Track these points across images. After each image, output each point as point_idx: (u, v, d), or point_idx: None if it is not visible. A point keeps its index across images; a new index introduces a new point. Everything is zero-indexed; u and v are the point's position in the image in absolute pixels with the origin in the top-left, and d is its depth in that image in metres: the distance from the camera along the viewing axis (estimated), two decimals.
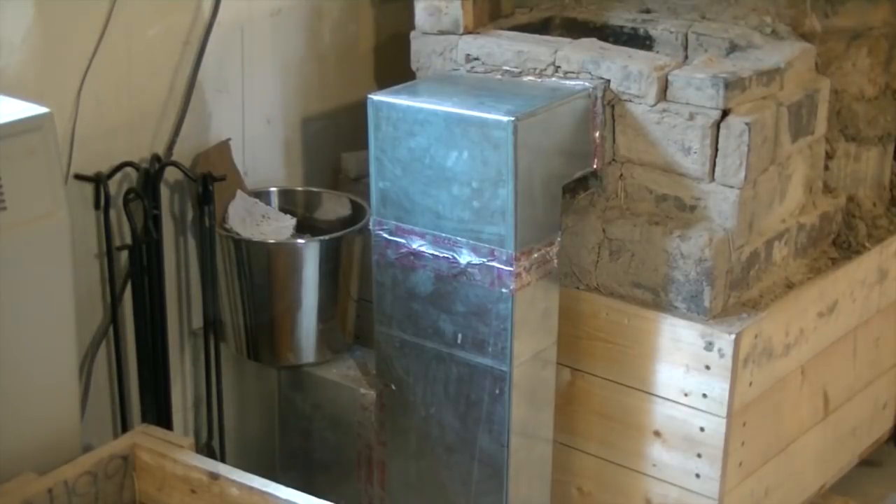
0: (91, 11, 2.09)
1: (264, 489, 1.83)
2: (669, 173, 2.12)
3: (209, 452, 2.34)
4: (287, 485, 1.85)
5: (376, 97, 2.05)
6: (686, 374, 2.10)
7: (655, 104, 2.09)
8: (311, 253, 2.25)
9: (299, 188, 2.50)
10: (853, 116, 2.41)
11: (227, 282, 2.28)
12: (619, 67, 2.11)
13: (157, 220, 2.20)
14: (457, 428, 2.13)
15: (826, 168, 2.35)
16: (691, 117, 2.06)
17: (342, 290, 2.32)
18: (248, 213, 2.33)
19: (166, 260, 2.26)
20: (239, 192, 2.34)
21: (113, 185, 2.16)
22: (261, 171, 2.47)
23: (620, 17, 2.43)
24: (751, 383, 2.12)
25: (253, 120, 2.45)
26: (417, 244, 2.06)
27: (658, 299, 2.13)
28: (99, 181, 2.13)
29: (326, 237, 2.27)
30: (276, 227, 2.33)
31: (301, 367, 2.33)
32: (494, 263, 1.98)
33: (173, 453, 1.91)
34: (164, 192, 2.26)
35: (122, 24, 2.12)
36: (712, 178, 2.08)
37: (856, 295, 2.36)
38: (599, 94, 2.11)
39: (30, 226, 1.79)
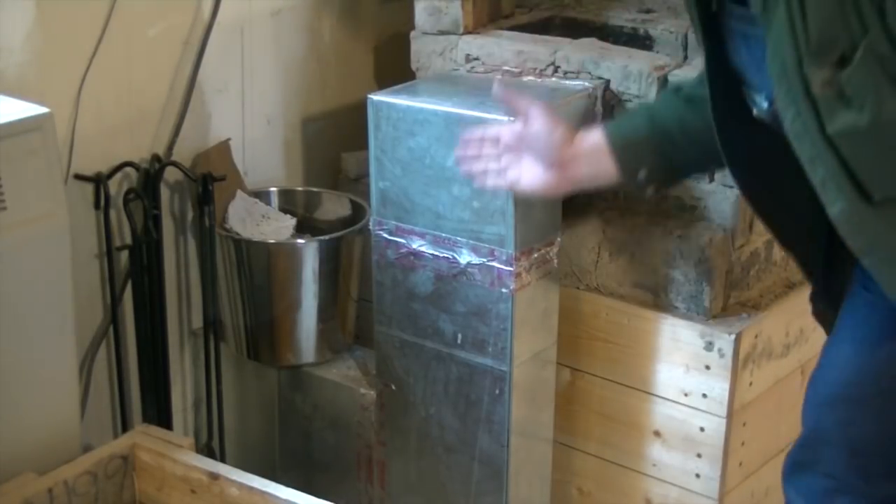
0: (91, 11, 2.09)
1: (264, 489, 1.83)
2: None
3: (209, 452, 2.34)
4: (287, 485, 1.85)
5: (376, 97, 2.05)
6: (686, 374, 2.10)
7: None
8: (310, 253, 2.25)
9: (299, 188, 2.50)
10: None
11: (227, 282, 2.28)
12: (619, 67, 2.11)
13: (157, 220, 2.20)
14: (457, 428, 2.13)
15: None
16: None
17: (342, 290, 2.32)
18: (248, 213, 2.33)
19: (166, 260, 2.26)
20: (239, 192, 2.34)
21: (113, 185, 2.16)
22: (261, 171, 2.47)
23: (620, 17, 2.43)
24: (751, 383, 2.12)
25: (253, 120, 2.45)
26: (417, 244, 2.06)
27: (658, 299, 2.12)
28: (99, 181, 2.13)
29: (326, 237, 2.27)
30: (276, 227, 2.33)
31: (301, 367, 2.33)
32: (494, 263, 1.98)
33: (173, 453, 1.91)
34: (164, 192, 2.26)
35: (122, 24, 2.12)
36: (712, 178, 2.08)
37: None
38: (599, 94, 2.11)
39: (30, 226, 1.79)
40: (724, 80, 1.50)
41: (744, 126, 1.49)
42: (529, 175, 1.76)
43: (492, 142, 1.80)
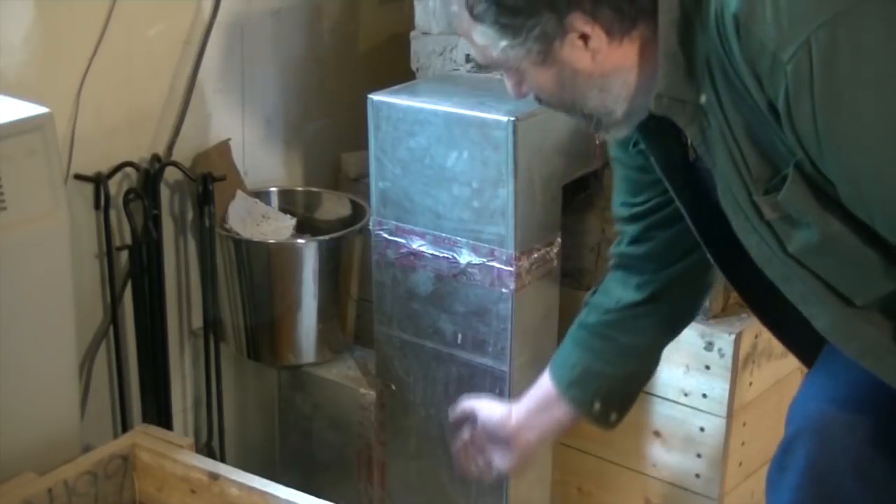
0: (91, 11, 2.09)
1: (264, 489, 1.82)
2: None
3: (209, 452, 2.34)
4: (287, 485, 1.85)
5: (376, 97, 2.05)
6: (686, 374, 2.10)
7: None
8: (310, 253, 2.25)
9: (299, 188, 2.50)
10: None
11: (227, 282, 2.28)
12: None
13: (157, 220, 2.20)
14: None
15: None
16: None
17: (342, 290, 2.32)
18: (248, 213, 2.33)
19: (166, 260, 2.26)
20: (239, 192, 2.34)
21: (113, 185, 2.16)
22: (261, 171, 2.47)
23: None
24: (751, 383, 2.12)
25: (253, 120, 2.45)
26: (417, 244, 2.06)
27: None
28: (99, 181, 2.13)
29: (326, 237, 2.27)
30: (276, 227, 2.33)
31: (301, 367, 2.33)
32: (494, 263, 1.98)
33: (173, 453, 1.90)
34: (164, 192, 2.26)
35: (122, 24, 2.12)
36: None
37: None
38: None
39: (30, 226, 1.79)
40: (712, 219, 1.49)
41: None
42: (501, 461, 1.79)
43: (475, 447, 1.83)
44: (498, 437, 1.78)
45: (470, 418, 1.82)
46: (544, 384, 1.75)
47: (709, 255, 1.55)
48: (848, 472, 1.44)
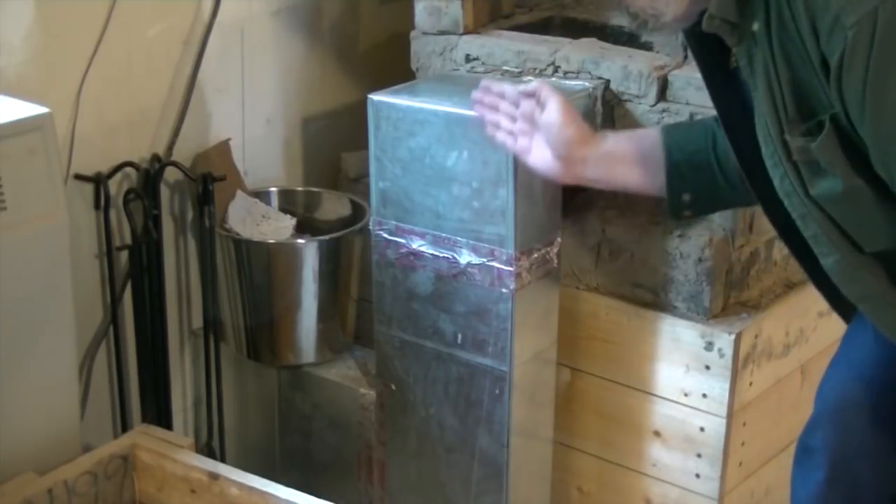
0: (91, 11, 2.09)
1: (264, 489, 1.83)
2: None
3: (209, 452, 2.34)
4: (287, 485, 1.85)
5: (376, 97, 2.05)
6: (686, 374, 2.10)
7: (655, 104, 2.09)
8: (310, 253, 2.25)
9: (299, 188, 2.50)
10: None
11: (227, 282, 2.28)
12: (619, 67, 2.11)
13: (157, 220, 2.21)
14: (457, 428, 2.13)
15: None
16: (691, 117, 2.06)
17: (342, 290, 2.32)
18: (248, 213, 2.33)
19: (166, 260, 2.26)
20: (239, 192, 2.34)
21: (113, 185, 2.16)
22: (261, 171, 2.48)
23: (620, 18, 2.42)
24: (751, 383, 2.12)
25: (253, 120, 2.45)
26: (417, 244, 2.06)
27: (658, 299, 2.12)
28: (99, 181, 2.13)
29: (326, 237, 2.27)
30: (276, 227, 2.33)
31: (301, 367, 2.33)
32: (494, 263, 1.98)
33: (173, 453, 1.91)
34: (164, 192, 2.26)
35: (122, 24, 2.12)
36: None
37: None
38: (599, 94, 2.11)
39: (30, 226, 1.79)
40: (744, 132, 1.49)
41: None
42: (537, 154, 1.73)
43: (510, 102, 1.76)
44: (550, 139, 1.71)
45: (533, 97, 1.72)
46: (646, 142, 1.67)
47: (739, 166, 1.53)
48: (859, 452, 1.47)
